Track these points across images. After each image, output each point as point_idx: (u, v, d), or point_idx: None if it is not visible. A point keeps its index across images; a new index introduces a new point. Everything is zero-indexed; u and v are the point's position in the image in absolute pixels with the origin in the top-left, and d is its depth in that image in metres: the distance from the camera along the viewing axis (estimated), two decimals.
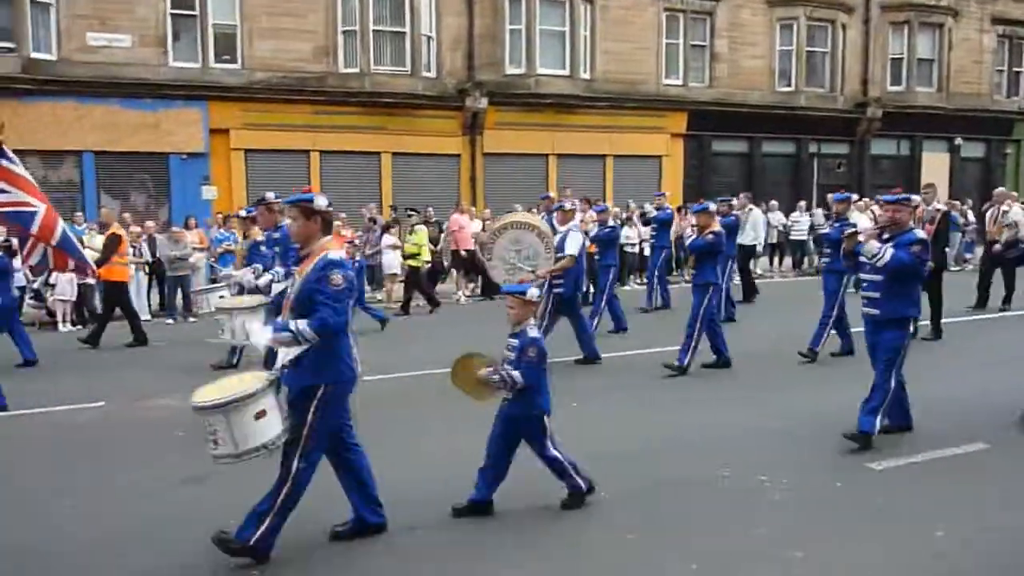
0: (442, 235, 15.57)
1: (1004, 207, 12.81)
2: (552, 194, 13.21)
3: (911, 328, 5.97)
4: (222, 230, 14.52)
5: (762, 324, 11.73)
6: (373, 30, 17.56)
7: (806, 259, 19.16)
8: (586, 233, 10.66)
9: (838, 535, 4.45)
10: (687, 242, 9.32)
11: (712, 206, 8.88)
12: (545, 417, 4.67)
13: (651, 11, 20.52)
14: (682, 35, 21.09)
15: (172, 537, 4.51)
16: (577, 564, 4.20)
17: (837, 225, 9.14)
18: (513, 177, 19.21)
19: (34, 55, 15.42)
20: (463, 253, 15.22)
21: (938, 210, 11.26)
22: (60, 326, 12.37)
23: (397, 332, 11.45)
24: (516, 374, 4.54)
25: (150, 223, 14.30)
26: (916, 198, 8.99)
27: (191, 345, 10.77)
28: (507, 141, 19.08)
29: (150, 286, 13.82)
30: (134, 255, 12.98)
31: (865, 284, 6.07)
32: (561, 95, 19.21)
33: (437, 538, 4.47)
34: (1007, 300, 12.52)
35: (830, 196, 12.58)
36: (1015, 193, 14.77)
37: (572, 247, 8.66)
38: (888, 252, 5.72)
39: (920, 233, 5.97)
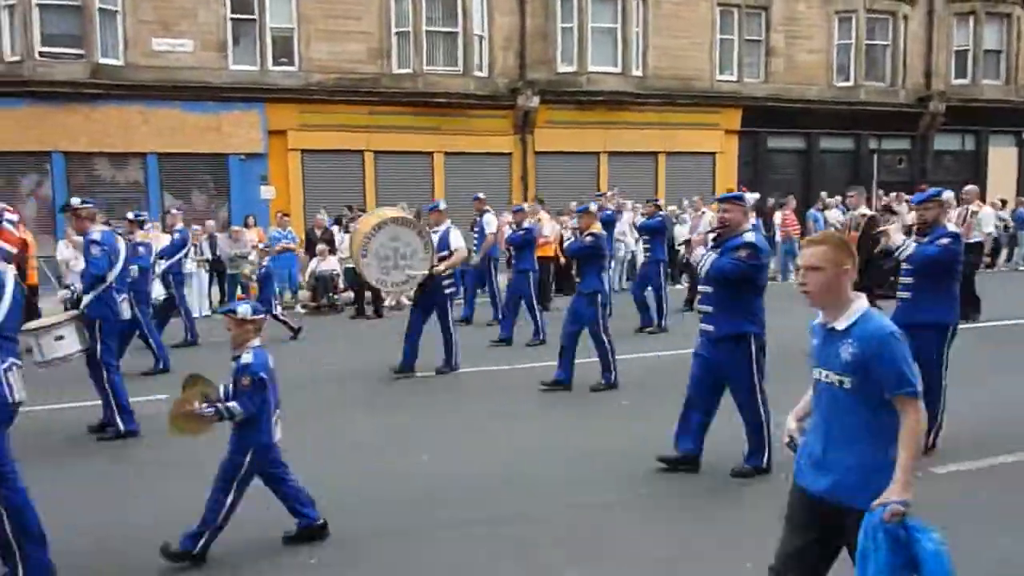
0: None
1: (973, 207, 12.00)
2: (481, 195, 13.05)
3: (752, 346, 5.13)
4: (278, 229, 14.87)
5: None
6: (426, 31, 17.73)
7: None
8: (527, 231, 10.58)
9: None
10: (564, 244, 8.78)
11: (593, 206, 8.22)
12: (264, 451, 4.21)
13: (704, 6, 20.25)
14: (736, 30, 20.77)
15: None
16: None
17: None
18: (564, 175, 19.19)
19: (102, 61, 16.00)
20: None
21: (973, 212, 11.20)
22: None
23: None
24: (232, 405, 4.10)
25: (210, 222, 14.72)
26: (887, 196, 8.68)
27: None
28: (558, 139, 19.07)
29: (211, 283, 14.22)
30: (195, 253, 13.42)
31: (700, 297, 5.38)
32: (613, 92, 19.11)
33: None
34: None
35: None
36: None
37: (457, 242, 8.59)
38: (709, 259, 5.11)
39: (750, 236, 5.15)
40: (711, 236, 5.35)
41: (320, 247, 14.58)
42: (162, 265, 10.59)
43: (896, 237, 5.50)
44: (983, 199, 16.54)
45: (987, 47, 22.66)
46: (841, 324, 2.78)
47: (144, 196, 16.55)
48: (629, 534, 4.48)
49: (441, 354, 8.68)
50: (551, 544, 4.36)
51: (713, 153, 20.70)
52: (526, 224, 10.97)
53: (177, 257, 10.85)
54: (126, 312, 7.05)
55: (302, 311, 14.46)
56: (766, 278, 5.29)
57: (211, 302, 14.03)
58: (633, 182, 19.03)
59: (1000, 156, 23.31)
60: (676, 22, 19.90)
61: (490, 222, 12.23)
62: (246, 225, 14.58)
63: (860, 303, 2.79)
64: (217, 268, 14.06)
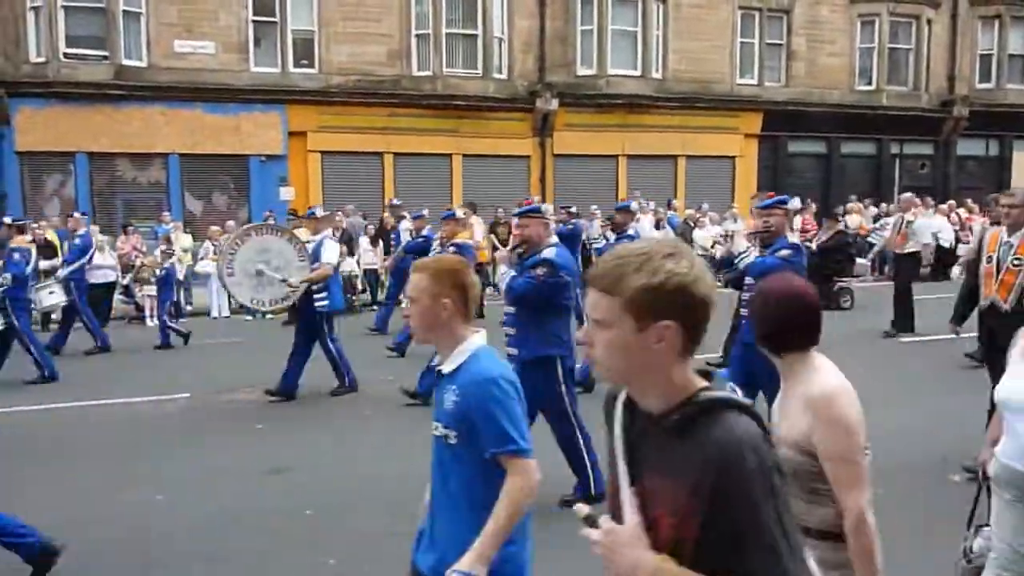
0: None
1: (909, 216, 11.34)
2: (398, 201, 12.93)
3: (559, 370, 4.77)
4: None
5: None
6: (445, 33, 17.76)
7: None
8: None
9: (919, 547, 4.27)
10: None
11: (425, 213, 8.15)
12: None
13: (725, 9, 20.15)
14: (757, 33, 20.64)
15: (257, 525, 4.65)
16: None
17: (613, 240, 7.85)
18: (583, 178, 19.14)
19: (125, 62, 16.15)
20: None
21: (908, 222, 11.19)
22: (148, 321, 12.91)
23: None
24: None
25: (231, 222, 14.79)
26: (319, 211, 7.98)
27: (267, 341, 11.07)
28: (577, 142, 19.03)
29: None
30: (215, 253, 13.48)
31: (504, 317, 4.95)
32: (632, 95, 19.04)
33: None
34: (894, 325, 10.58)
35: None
36: (918, 200, 13.67)
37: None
38: (507, 278, 4.81)
39: (549, 253, 4.75)
40: (517, 252, 5.00)
41: (341, 248, 14.62)
42: (64, 271, 10.25)
43: (739, 243, 5.23)
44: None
45: (1012, 51, 22.38)
46: (447, 367, 2.32)
47: (165, 196, 16.69)
48: None
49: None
50: None
51: (733, 157, 20.58)
52: (425, 231, 10.21)
53: (80, 263, 10.42)
54: None
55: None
56: (570, 297, 4.86)
57: (230, 303, 14.08)
58: (652, 186, 18.95)
59: None
60: (696, 25, 19.81)
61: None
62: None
63: (472, 341, 2.30)
64: None
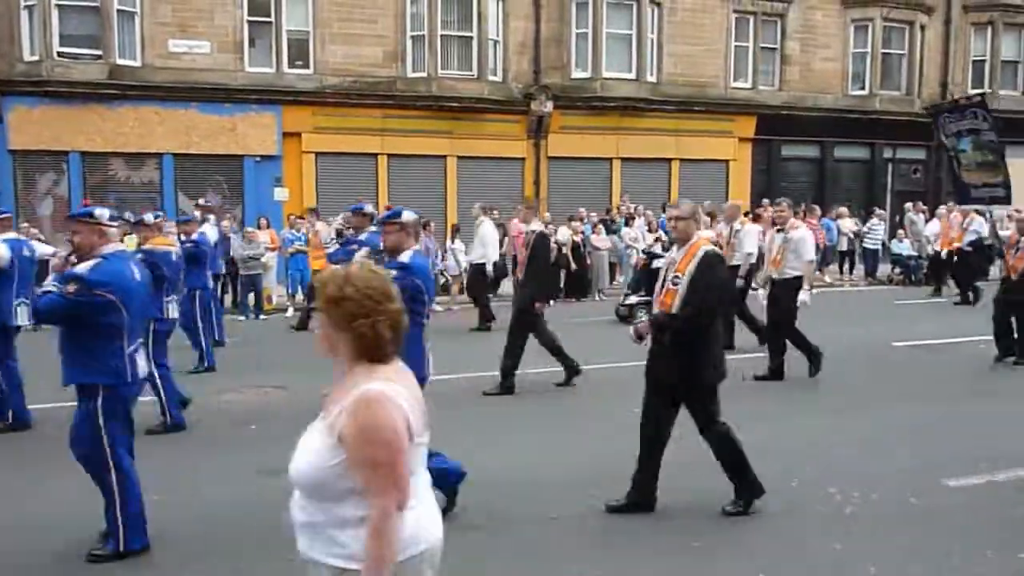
0: (505, 239, 15.66)
1: (736, 224, 10.52)
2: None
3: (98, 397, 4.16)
4: (292, 231, 14.91)
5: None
6: (441, 35, 17.77)
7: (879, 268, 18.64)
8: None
9: (913, 552, 4.31)
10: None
11: (368, 207, 7.73)
12: None
13: (720, 13, 20.22)
14: (752, 37, 20.72)
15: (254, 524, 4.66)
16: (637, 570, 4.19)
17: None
18: (577, 181, 19.19)
19: (119, 62, 16.10)
20: (521, 257, 15.30)
21: (735, 231, 10.23)
22: None
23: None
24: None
25: (225, 223, 14.75)
26: (149, 217, 7.19)
27: (261, 342, 11.10)
28: (572, 145, 19.06)
29: (224, 285, 14.26)
30: None
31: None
32: (626, 99, 19.09)
33: None
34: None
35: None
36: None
37: None
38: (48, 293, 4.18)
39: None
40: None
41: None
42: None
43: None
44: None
45: (1004, 57, 22.54)
46: None
47: (159, 196, 16.64)
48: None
49: None
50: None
51: (727, 161, 20.66)
52: (197, 230, 9.81)
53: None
54: None
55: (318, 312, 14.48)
56: (119, 318, 4.15)
57: (222, 303, 14.06)
58: (646, 189, 19.02)
59: (1018, 167, 23.04)
60: (691, 29, 19.89)
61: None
62: (259, 227, 14.63)
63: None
64: (230, 269, 14.10)
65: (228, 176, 17.29)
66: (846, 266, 18.73)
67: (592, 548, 4.43)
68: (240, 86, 16.83)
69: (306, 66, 17.47)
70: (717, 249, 4.90)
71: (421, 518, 2.14)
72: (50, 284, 4.21)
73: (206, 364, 9.17)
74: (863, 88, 21.43)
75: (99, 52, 15.92)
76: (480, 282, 13.22)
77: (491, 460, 5.60)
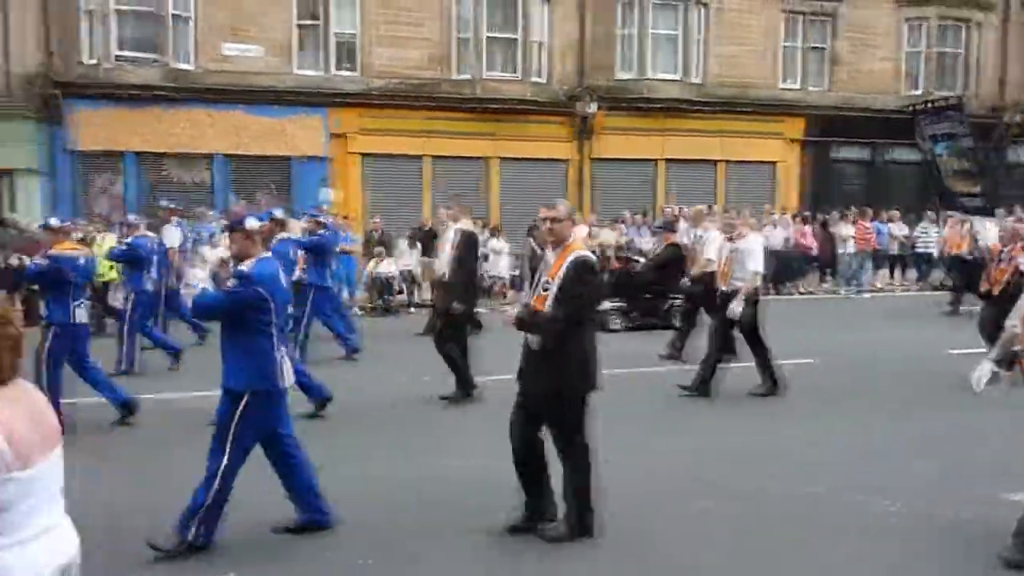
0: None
1: (699, 230, 10.15)
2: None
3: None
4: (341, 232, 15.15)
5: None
6: (486, 37, 17.87)
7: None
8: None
9: (968, 567, 4.21)
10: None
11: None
12: None
13: (768, 13, 19.93)
14: (801, 37, 20.38)
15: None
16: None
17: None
18: (622, 182, 19.11)
19: (174, 65, 16.56)
20: None
21: (698, 236, 9.89)
22: None
23: None
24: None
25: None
26: (55, 221, 7.13)
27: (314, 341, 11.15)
28: (616, 146, 18.99)
29: None
30: None
31: None
32: (672, 99, 18.94)
33: None
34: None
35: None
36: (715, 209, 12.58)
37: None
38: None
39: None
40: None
41: (377, 249, 14.84)
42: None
43: (193, 274, 4.90)
44: None
45: None
46: None
47: (210, 196, 17.05)
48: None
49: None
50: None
51: (775, 163, 20.35)
52: (135, 234, 9.67)
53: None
54: None
55: (359, 312, 14.71)
56: (269, 316, 4.48)
57: None
58: (691, 190, 18.83)
59: None
60: (739, 29, 19.64)
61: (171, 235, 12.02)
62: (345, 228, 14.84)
63: None
64: None
65: (277, 177, 17.63)
66: (898, 271, 18.32)
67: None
68: (289, 88, 17.15)
69: (353, 68, 17.73)
70: (590, 255, 4.54)
71: (14, 562, 1.99)
72: (204, 282, 4.52)
73: (124, 367, 9.10)
74: (917, 88, 20.90)
75: (155, 56, 16.38)
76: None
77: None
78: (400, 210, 17.21)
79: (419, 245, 15.55)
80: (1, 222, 13.03)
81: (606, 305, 12.40)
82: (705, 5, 19.30)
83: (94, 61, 16.27)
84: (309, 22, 17.48)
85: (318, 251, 9.54)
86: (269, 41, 17.20)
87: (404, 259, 15.41)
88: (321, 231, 9.87)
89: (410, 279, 15.44)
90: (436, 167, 18.22)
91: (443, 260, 8.10)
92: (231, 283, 4.42)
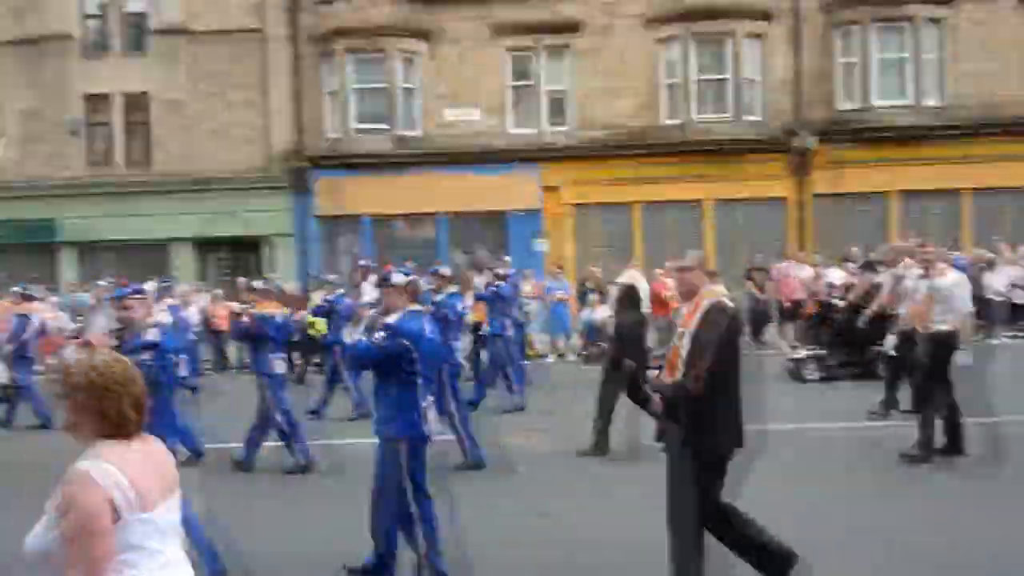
0: (768, 283, 15.00)
1: (900, 270, 8.67)
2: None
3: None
4: (553, 280, 15.56)
5: None
6: (696, 80, 17.69)
7: None
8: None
9: None
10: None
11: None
12: None
13: (1015, 23, 17.90)
14: None
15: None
16: None
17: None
18: (848, 219, 17.85)
19: (402, 133, 18.07)
20: (787, 303, 14.53)
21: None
22: None
23: None
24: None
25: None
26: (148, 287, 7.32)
27: (529, 387, 11.43)
28: (840, 181, 17.81)
29: None
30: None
31: None
32: (903, 127, 17.50)
33: None
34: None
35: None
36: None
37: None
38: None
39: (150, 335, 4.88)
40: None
41: (591, 296, 14.98)
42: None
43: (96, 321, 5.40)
44: None
45: None
46: None
47: (435, 253, 18.20)
48: None
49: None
50: None
51: None
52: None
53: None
54: None
55: (573, 358, 14.89)
56: (413, 366, 4.66)
57: None
58: (931, 224, 17.16)
59: None
60: (979, 44, 17.79)
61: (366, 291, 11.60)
62: (523, 277, 15.39)
63: None
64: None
65: (493, 231, 18.48)
66: None
67: None
68: (504, 146, 18.03)
69: (564, 123, 18.30)
70: (725, 300, 4.22)
71: None
72: (360, 334, 4.82)
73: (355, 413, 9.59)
74: None
75: (386, 126, 17.99)
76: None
77: None
78: (612, 258, 17.29)
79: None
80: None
81: (801, 353, 11.53)
82: (936, 22, 17.76)
83: (336, 135, 18.19)
84: (522, 83, 18.35)
85: (496, 302, 10.09)
86: (486, 104, 18.26)
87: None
88: (498, 283, 10.36)
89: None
90: (646, 213, 18.16)
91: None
92: (379, 335, 4.62)
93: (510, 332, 10.34)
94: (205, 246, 18.93)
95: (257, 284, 8.54)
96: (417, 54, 18.24)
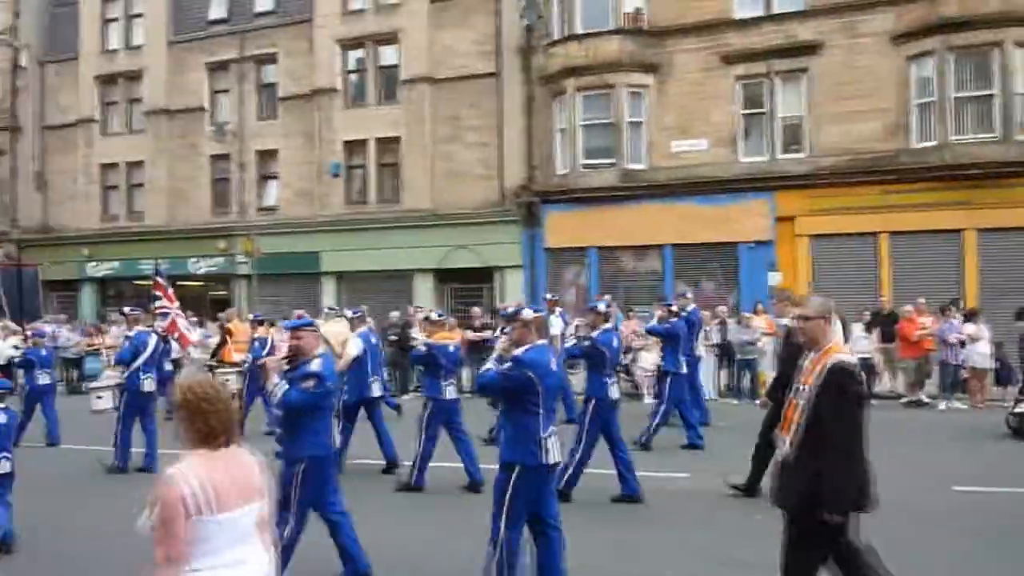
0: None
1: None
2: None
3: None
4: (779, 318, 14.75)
5: None
6: (954, 97, 16.07)
7: None
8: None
9: None
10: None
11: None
12: None
13: None
14: None
15: None
16: None
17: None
18: None
19: (629, 166, 18.22)
20: None
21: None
22: (645, 398, 13.98)
23: None
24: None
25: (721, 308, 15.29)
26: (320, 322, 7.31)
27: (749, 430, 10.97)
28: None
29: (719, 367, 14.69)
30: (705, 339, 14.09)
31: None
32: None
33: None
34: None
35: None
36: None
37: (352, 351, 8.50)
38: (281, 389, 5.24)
39: (316, 365, 5.28)
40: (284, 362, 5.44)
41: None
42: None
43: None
44: None
45: None
46: None
47: (660, 284, 18.07)
48: None
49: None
50: None
51: None
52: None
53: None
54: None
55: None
56: (536, 399, 4.78)
57: (719, 386, 14.50)
58: None
59: None
60: None
61: (553, 323, 11.86)
62: (755, 312, 14.79)
63: None
64: (727, 353, 14.48)
65: (722, 263, 17.97)
66: None
67: None
68: (734, 176, 17.52)
69: (800, 150, 17.44)
70: (849, 359, 3.90)
71: None
72: (491, 363, 5.10)
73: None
74: None
75: (613, 160, 18.25)
76: None
77: None
78: (852, 292, 16.09)
79: (877, 329, 14.29)
80: (493, 312, 15.44)
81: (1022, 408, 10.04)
82: None
83: (565, 171, 18.75)
84: (754, 111, 17.78)
85: (671, 338, 10.02)
86: (715, 134, 17.90)
87: (859, 344, 14.26)
88: (673, 319, 10.26)
89: (867, 367, 14.20)
90: (895, 244, 16.69)
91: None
92: (507, 366, 4.85)
93: (684, 370, 10.13)
94: (443, 275, 20.29)
95: (432, 315, 9.21)
96: (644, 87, 18.35)
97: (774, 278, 17.29)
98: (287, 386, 5.18)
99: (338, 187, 21.42)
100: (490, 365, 5.07)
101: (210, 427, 2.81)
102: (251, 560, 2.85)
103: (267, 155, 22.42)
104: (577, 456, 7.39)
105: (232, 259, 21.89)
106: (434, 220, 19.95)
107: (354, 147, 21.37)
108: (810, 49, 17.26)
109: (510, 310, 5.72)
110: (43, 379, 11.19)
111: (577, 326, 11.57)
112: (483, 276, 19.82)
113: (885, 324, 14.15)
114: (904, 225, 16.50)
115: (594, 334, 7.83)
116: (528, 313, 5.05)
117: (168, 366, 12.73)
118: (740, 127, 17.89)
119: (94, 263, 23.89)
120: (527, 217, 19.17)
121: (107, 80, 24.49)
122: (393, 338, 15.61)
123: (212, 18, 23.14)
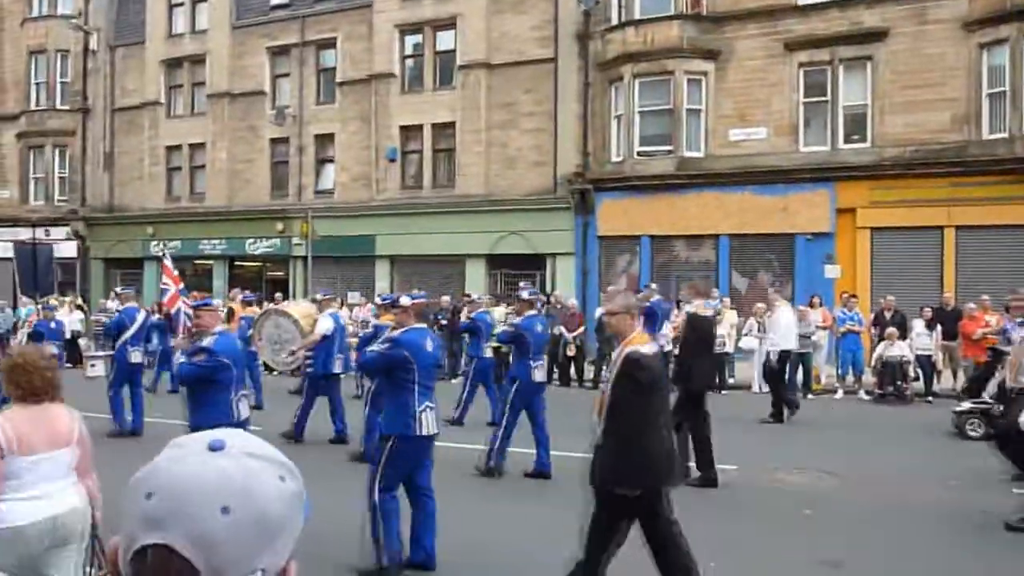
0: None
1: None
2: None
3: None
4: (844, 309, 14.47)
5: None
6: None
7: None
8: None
9: None
10: None
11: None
12: None
13: None
14: None
15: None
16: None
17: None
18: None
19: (686, 154, 18.01)
20: None
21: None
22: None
23: None
24: None
25: (776, 299, 15.02)
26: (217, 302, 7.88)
27: (812, 423, 10.88)
28: None
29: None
30: (757, 330, 13.91)
31: None
32: None
33: None
34: None
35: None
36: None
37: (321, 328, 9.64)
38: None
39: (206, 341, 5.71)
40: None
41: (889, 331, 13.69)
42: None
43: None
44: None
45: None
46: None
47: (714, 274, 17.87)
48: None
49: None
50: None
51: None
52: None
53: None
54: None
55: (866, 397, 13.72)
56: (412, 375, 5.28)
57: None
58: None
59: None
60: None
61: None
62: (811, 305, 14.53)
63: None
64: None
65: (779, 254, 17.68)
66: None
67: None
68: (794, 166, 17.18)
69: (863, 140, 17.01)
70: (641, 350, 4.25)
71: (7, 510, 3.28)
72: (375, 346, 5.85)
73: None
74: None
75: (670, 148, 18.05)
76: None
77: None
78: (915, 287, 15.69)
79: (939, 326, 13.92)
80: (548, 299, 15.50)
81: (966, 405, 10.03)
82: None
83: (619, 158, 18.63)
84: (816, 99, 17.38)
85: (517, 342, 9.88)
86: (775, 122, 17.57)
87: (920, 341, 13.93)
88: (530, 313, 10.07)
89: (928, 364, 13.86)
90: (961, 239, 16.19)
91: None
92: (386, 346, 5.44)
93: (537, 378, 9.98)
94: (495, 261, 20.39)
95: (525, 294, 8.86)
96: (704, 74, 18.09)
97: (832, 271, 16.96)
98: (183, 360, 5.76)
99: (394, 172, 21.65)
100: (374, 347, 5.77)
101: (33, 386, 3.43)
102: (55, 496, 3.41)
103: (325, 139, 22.78)
104: (499, 433, 7.97)
105: (289, 241, 22.35)
106: (487, 206, 20.04)
107: (410, 132, 21.56)
108: (876, 36, 16.78)
109: (388, 298, 7.70)
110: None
111: (507, 313, 12.61)
112: (535, 263, 19.85)
113: (947, 321, 13.76)
114: (971, 219, 15.99)
115: (517, 320, 8.34)
116: (406, 300, 5.79)
117: (155, 340, 13.37)
118: (801, 116, 17.52)
119: (157, 242, 24.69)
120: (580, 204, 19.10)
121: (172, 64, 25.15)
122: (444, 322, 15.80)
123: (274, 3, 23.54)
